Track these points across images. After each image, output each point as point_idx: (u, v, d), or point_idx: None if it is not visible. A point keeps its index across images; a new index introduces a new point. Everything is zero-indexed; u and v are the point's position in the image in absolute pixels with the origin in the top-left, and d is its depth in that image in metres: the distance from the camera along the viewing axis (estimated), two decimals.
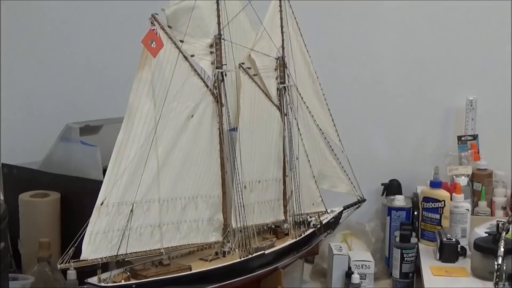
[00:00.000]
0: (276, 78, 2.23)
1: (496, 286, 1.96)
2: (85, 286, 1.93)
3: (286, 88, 2.24)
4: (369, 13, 2.73)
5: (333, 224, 2.42)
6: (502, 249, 2.01)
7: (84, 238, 1.87)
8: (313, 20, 2.60)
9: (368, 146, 2.78)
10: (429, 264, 2.28)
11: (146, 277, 1.93)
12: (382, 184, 2.71)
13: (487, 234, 2.22)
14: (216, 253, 2.08)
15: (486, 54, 2.70)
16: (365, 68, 2.76)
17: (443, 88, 2.73)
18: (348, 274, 2.31)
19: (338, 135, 2.39)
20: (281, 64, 2.22)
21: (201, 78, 2.02)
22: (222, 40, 2.05)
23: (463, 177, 2.53)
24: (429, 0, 2.68)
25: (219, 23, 2.04)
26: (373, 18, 2.73)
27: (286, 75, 2.23)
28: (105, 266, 1.92)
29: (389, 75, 2.76)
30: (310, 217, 2.33)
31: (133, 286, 1.89)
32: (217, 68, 2.05)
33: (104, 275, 1.90)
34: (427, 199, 2.42)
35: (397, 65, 2.75)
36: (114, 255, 1.91)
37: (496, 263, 1.98)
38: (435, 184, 2.43)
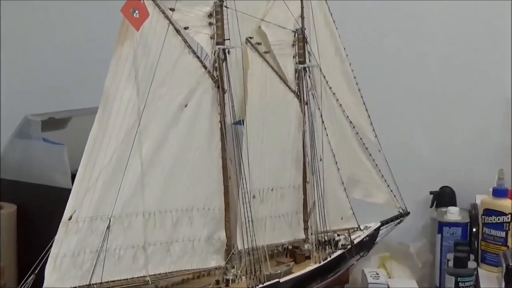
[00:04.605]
0: (294, 57, 2.24)
1: None
2: None
3: (307, 69, 2.25)
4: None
5: (368, 244, 2.43)
6: None
7: (48, 262, 1.86)
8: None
9: (412, 144, 2.82)
10: None
11: None
12: (430, 193, 2.76)
13: None
14: (218, 282, 2.08)
15: None
16: (410, 47, 2.82)
17: (505, 74, 2.76)
18: None
19: (373, 130, 2.42)
20: (300, 39, 2.23)
21: (198, 57, 2.02)
22: (225, 8, 2.05)
23: None
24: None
25: None
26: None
27: (306, 52, 2.24)
28: None
29: (439, 58, 2.82)
30: (338, 235, 2.34)
31: None
32: (217, 44, 2.05)
33: None
34: (489, 211, 2.46)
35: (447, 49, 2.81)
36: (86, 285, 1.90)
37: None
38: (499, 193, 2.47)
